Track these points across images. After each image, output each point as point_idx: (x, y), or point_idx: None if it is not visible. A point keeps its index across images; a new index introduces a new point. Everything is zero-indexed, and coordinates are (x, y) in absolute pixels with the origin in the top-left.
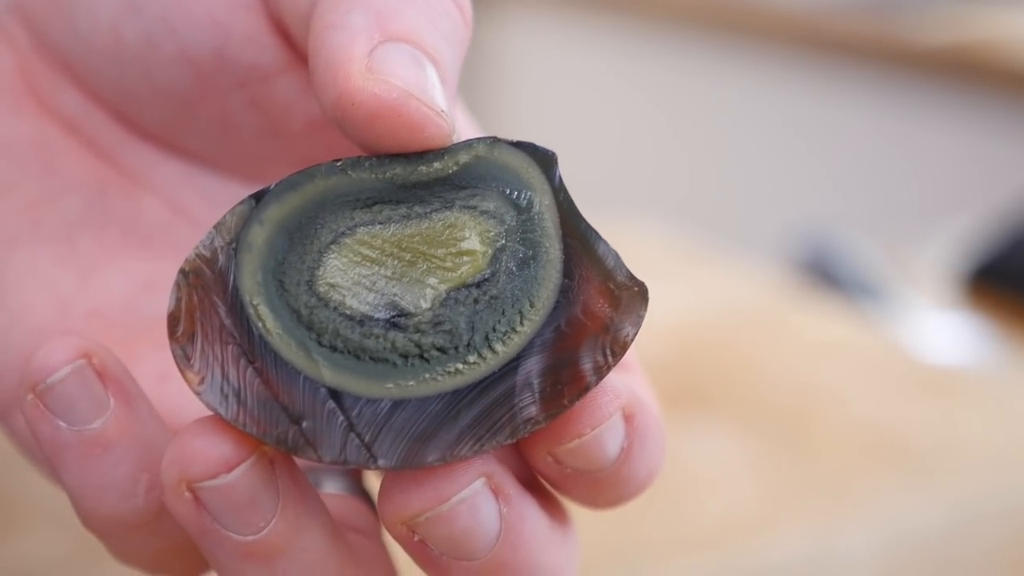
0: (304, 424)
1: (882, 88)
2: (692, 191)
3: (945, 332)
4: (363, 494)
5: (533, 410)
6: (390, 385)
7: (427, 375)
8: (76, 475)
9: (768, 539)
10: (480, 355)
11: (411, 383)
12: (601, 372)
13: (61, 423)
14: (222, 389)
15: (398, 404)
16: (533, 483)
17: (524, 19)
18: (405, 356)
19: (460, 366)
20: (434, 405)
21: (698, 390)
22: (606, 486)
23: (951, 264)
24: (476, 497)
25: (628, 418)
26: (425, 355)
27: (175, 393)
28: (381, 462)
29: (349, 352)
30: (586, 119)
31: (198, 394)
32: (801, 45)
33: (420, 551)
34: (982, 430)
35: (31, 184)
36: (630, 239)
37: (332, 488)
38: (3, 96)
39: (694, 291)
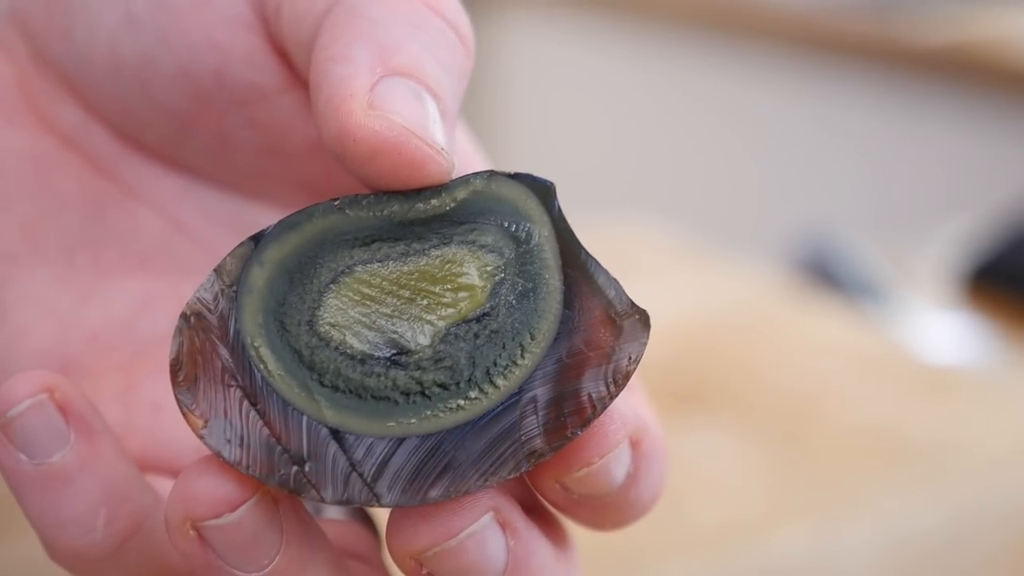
0: (307, 466)
1: (882, 88)
2: (692, 191)
3: (945, 332)
4: (364, 518)
5: (538, 442)
6: (392, 423)
7: (429, 412)
8: (36, 508)
9: (768, 539)
10: (482, 390)
11: (413, 421)
12: (604, 402)
13: (22, 456)
14: (225, 432)
15: (401, 442)
16: (536, 506)
17: (524, 20)
18: (407, 394)
19: (462, 402)
20: (437, 442)
21: (698, 390)
22: (612, 510)
23: (951, 264)
24: (484, 531)
25: (635, 444)
26: (427, 392)
27: (170, 423)
28: (385, 500)
29: (351, 391)
30: (586, 119)
31: (202, 438)
32: (801, 45)
33: None
34: (982, 430)
35: (29, 201)
36: (630, 239)
37: (333, 514)
38: (1, 108)
39: (694, 292)
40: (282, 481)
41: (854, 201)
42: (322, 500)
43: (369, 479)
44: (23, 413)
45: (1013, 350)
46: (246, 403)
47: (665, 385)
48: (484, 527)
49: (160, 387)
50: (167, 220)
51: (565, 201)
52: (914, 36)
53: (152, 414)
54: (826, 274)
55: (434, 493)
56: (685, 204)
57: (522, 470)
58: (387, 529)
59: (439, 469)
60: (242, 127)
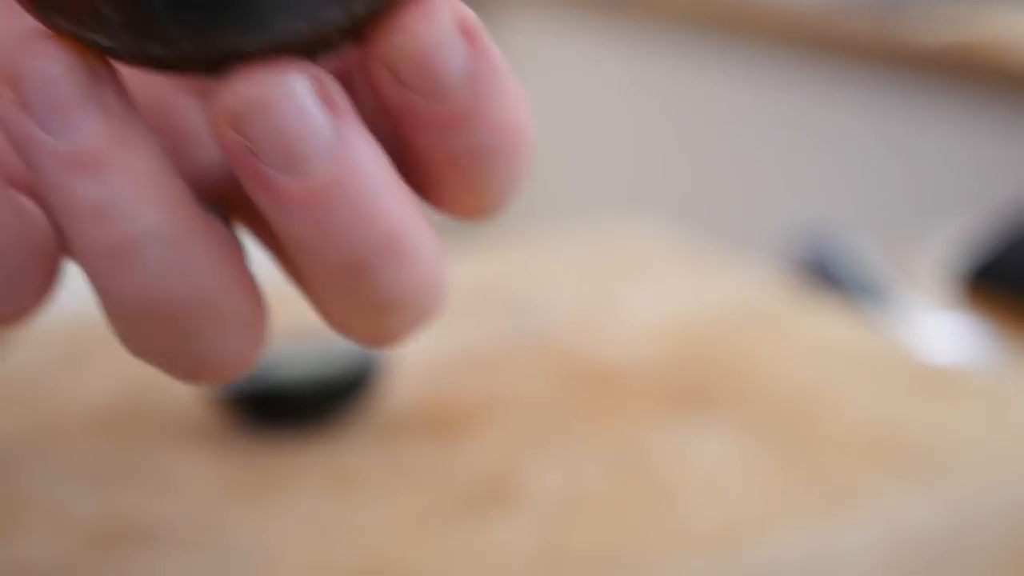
0: (110, 15)
1: (882, 88)
2: (692, 191)
3: (945, 332)
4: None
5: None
6: None
7: None
8: None
9: (768, 539)
10: None
11: None
12: None
13: None
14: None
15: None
16: None
17: (525, 20)
18: None
19: None
20: None
21: (698, 390)
22: (460, 127)
23: (951, 264)
24: (302, 91)
25: (467, 32)
26: None
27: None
28: (186, 54)
29: None
30: (586, 119)
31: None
32: (801, 45)
33: (249, 163)
34: (982, 430)
35: None
36: (630, 239)
37: None
38: None
39: (694, 292)
40: (91, 37)
41: (854, 201)
42: (129, 56)
43: (173, 32)
44: None
45: (1013, 350)
46: None
47: (665, 385)
48: (302, 86)
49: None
50: None
51: (566, 201)
52: (914, 36)
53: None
54: (826, 274)
55: (241, 42)
56: (685, 204)
57: (347, 17)
58: (206, 101)
59: (248, 19)
60: None
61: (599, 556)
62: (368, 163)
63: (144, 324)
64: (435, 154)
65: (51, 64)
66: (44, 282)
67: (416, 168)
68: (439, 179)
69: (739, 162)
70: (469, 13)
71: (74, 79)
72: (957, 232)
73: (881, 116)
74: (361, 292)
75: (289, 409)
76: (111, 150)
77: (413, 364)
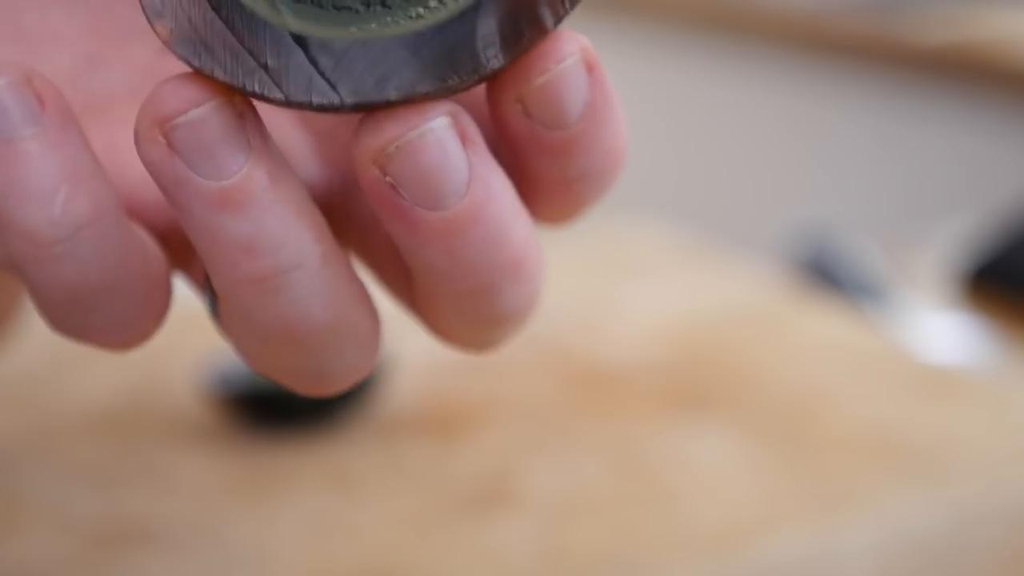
0: (270, 69)
1: (882, 88)
2: (692, 191)
3: (945, 332)
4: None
5: (493, 51)
6: (353, 29)
7: (389, 19)
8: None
9: (768, 540)
10: (441, 0)
11: (374, 26)
12: (559, 15)
13: None
14: (191, 40)
15: (361, 46)
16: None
17: None
18: (367, 3)
19: (421, 10)
20: (396, 47)
21: (697, 391)
22: (574, 151)
23: (951, 264)
24: (443, 132)
25: (590, 67)
26: (387, 2)
27: (128, 160)
28: (346, 101)
29: (312, 1)
30: None
31: (167, 44)
32: (801, 45)
33: (391, 199)
34: (982, 430)
35: None
36: (630, 239)
37: None
38: None
39: (693, 291)
40: (246, 81)
41: (854, 201)
42: (287, 101)
43: (331, 80)
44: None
45: (1013, 350)
46: (210, 12)
47: (665, 385)
48: (443, 127)
49: (116, 129)
50: None
51: None
52: (914, 36)
53: (108, 152)
54: (826, 274)
55: (392, 93)
56: (685, 203)
57: (479, 76)
58: (352, 140)
59: (398, 73)
60: None
61: (599, 556)
62: (499, 192)
63: (280, 346)
64: (548, 175)
65: (199, 108)
66: (162, 308)
67: (524, 184)
68: (547, 196)
69: (739, 162)
70: (588, 44)
71: (221, 121)
72: (957, 232)
73: (881, 116)
74: (482, 310)
75: (289, 409)
76: (257, 187)
77: (413, 365)
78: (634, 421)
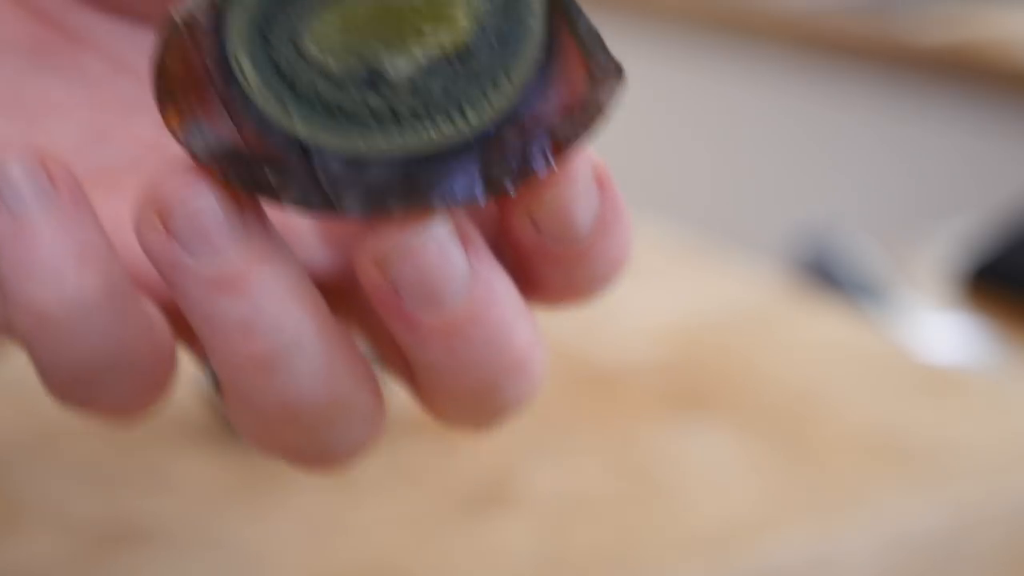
0: (272, 170)
1: (882, 88)
2: (692, 191)
3: (945, 332)
4: None
5: (501, 177)
6: (361, 142)
7: (398, 136)
8: (9, 258)
9: (768, 541)
10: (453, 122)
11: (382, 142)
12: (571, 149)
13: (3, 206)
14: (199, 134)
15: (368, 160)
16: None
17: None
18: (378, 117)
19: (432, 131)
20: (403, 164)
21: (697, 391)
22: (582, 262)
23: (951, 264)
24: (444, 236)
25: (600, 183)
26: (399, 117)
27: (130, 238)
28: (345, 210)
29: (325, 109)
30: None
31: (173, 133)
32: (801, 45)
33: (391, 301)
34: (983, 431)
35: None
36: None
37: None
38: None
39: (693, 291)
40: (245, 180)
41: (854, 201)
42: (284, 203)
43: (332, 191)
44: (11, 169)
45: (1013, 350)
46: (223, 109)
47: (664, 385)
48: (445, 233)
49: (120, 205)
50: (113, 62)
51: None
52: (914, 36)
53: (113, 229)
54: (826, 274)
55: (395, 208)
56: (685, 203)
57: (484, 199)
58: (353, 244)
59: (403, 189)
60: None
61: (599, 556)
62: (501, 295)
63: (279, 426)
64: (553, 279)
65: (199, 197)
66: (167, 381)
67: (528, 284)
68: (550, 295)
69: (739, 162)
70: (599, 160)
71: (219, 208)
72: (957, 232)
73: (881, 116)
74: (482, 404)
75: None
76: (254, 269)
77: None
78: (634, 422)
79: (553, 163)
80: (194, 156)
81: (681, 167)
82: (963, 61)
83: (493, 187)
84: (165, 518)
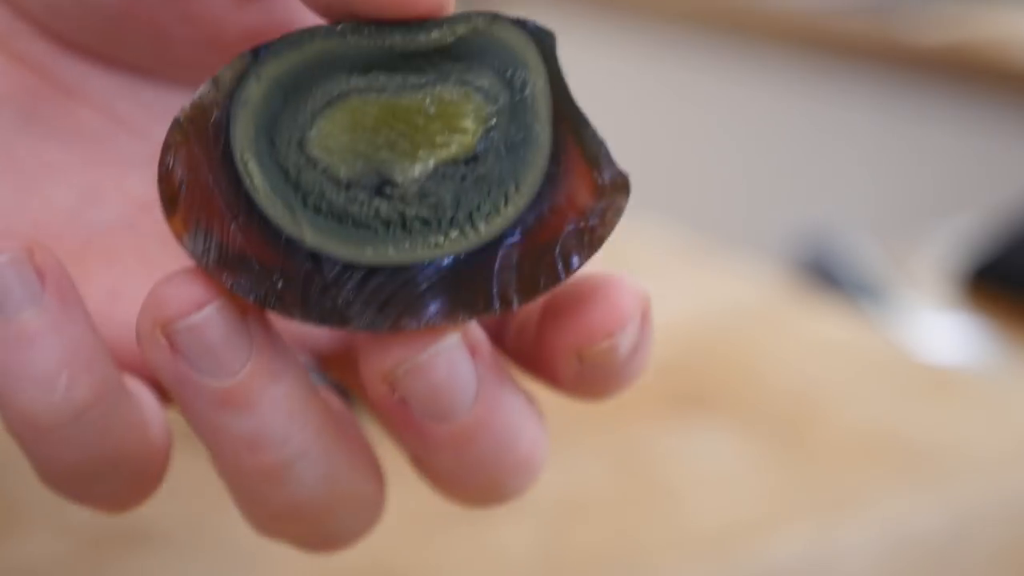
0: (281, 282)
1: (882, 88)
2: (692, 191)
3: (945, 332)
4: (336, 388)
5: (509, 292)
6: (370, 251)
7: (407, 245)
8: None
9: (768, 540)
10: (462, 231)
11: (391, 251)
12: (578, 262)
13: None
14: (204, 241)
15: (376, 270)
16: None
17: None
18: (387, 225)
19: (441, 240)
20: (411, 275)
21: (698, 391)
22: (611, 382)
23: (951, 264)
24: (453, 351)
25: (644, 316)
26: (408, 226)
27: (128, 311)
28: (353, 324)
29: (333, 216)
30: None
31: (179, 239)
32: (801, 45)
33: (400, 413)
34: (983, 430)
35: None
36: (630, 239)
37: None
38: None
39: (694, 291)
40: (254, 293)
41: (854, 201)
42: (290, 316)
43: (341, 302)
44: (3, 272)
45: (1013, 350)
46: (228, 216)
47: (665, 385)
48: (453, 347)
49: (116, 275)
50: (107, 116)
51: None
52: (914, 36)
53: (110, 302)
54: (826, 274)
55: (403, 322)
56: (685, 203)
57: (490, 315)
58: (360, 356)
59: (409, 301)
60: (176, 22)
61: (599, 557)
62: (507, 400)
63: (285, 522)
64: (579, 393)
65: (202, 311)
66: (161, 474)
67: (549, 380)
68: (572, 396)
69: (739, 162)
70: (646, 295)
71: (224, 322)
72: (957, 232)
73: (881, 116)
74: (486, 494)
75: None
76: (261, 384)
77: None
78: (634, 421)
79: (563, 276)
80: (200, 265)
81: (681, 167)
82: (963, 61)
83: (503, 299)
84: (165, 518)
